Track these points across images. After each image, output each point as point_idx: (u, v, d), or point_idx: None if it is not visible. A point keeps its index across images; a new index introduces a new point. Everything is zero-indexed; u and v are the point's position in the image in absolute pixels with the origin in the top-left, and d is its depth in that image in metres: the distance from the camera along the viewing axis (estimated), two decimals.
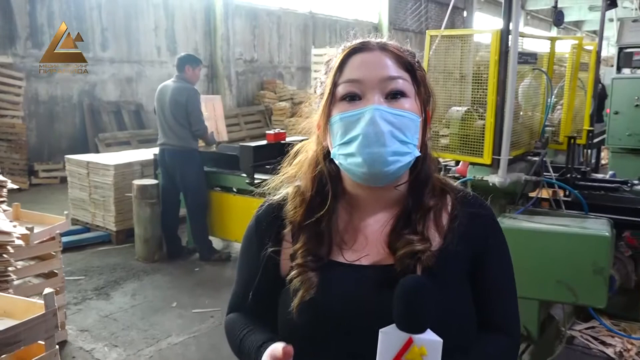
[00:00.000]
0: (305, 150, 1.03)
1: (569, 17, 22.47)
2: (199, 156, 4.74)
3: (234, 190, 4.76)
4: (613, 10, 4.48)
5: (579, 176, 3.25)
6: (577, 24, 26.13)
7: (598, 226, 2.49)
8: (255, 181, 4.26)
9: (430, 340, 0.77)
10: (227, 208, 4.79)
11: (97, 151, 8.08)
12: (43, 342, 1.35)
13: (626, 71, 5.78)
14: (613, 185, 3.12)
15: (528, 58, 2.88)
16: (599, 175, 3.80)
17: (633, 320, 3.40)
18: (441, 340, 0.78)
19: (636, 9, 8.11)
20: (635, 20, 5.75)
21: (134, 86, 9.84)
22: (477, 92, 2.94)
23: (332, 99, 0.92)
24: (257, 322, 1.02)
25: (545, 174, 2.98)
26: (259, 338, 0.96)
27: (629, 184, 3.12)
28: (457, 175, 3.06)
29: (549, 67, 3.22)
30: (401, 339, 0.77)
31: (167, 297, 4.04)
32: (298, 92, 12.11)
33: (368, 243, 0.95)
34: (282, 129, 4.98)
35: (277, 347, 0.85)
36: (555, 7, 4.42)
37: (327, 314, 0.91)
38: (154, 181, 4.85)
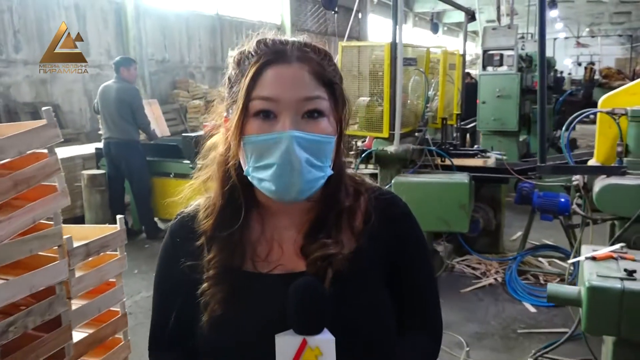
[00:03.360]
0: (215, 147, 0.97)
1: (451, 19, 25.01)
2: (141, 147, 5.40)
3: (171, 175, 5.49)
4: (484, 18, 5.76)
5: (451, 148, 4.44)
6: (459, 25, 28.96)
7: (461, 177, 3.67)
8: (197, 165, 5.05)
9: (322, 339, 0.77)
10: (167, 191, 5.50)
11: None
12: (118, 252, 2.15)
13: (489, 69, 7.21)
14: (473, 153, 4.35)
15: (411, 61, 3.99)
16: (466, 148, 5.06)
17: (494, 253, 4.65)
18: (333, 338, 0.77)
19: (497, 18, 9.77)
20: (494, 29, 7.21)
21: (49, 87, 9.99)
22: (374, 85, 4.01)
23: (246, 112, 0.85)
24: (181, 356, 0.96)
25: (427, 146, 4.12)
26: None
27: (483, 153, 4.37)
28: (365, 148, 4.10)
29: (425, 67, 4.36)
30: (296, 341, 0.77)
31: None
32: (210, 91, 12.75)
33: (283, 252, 0.92)
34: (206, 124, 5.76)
35: None
36: (432, 19, 5.63)
37: (237, 327, 0.89)
38: (101, 171, 5.44)
